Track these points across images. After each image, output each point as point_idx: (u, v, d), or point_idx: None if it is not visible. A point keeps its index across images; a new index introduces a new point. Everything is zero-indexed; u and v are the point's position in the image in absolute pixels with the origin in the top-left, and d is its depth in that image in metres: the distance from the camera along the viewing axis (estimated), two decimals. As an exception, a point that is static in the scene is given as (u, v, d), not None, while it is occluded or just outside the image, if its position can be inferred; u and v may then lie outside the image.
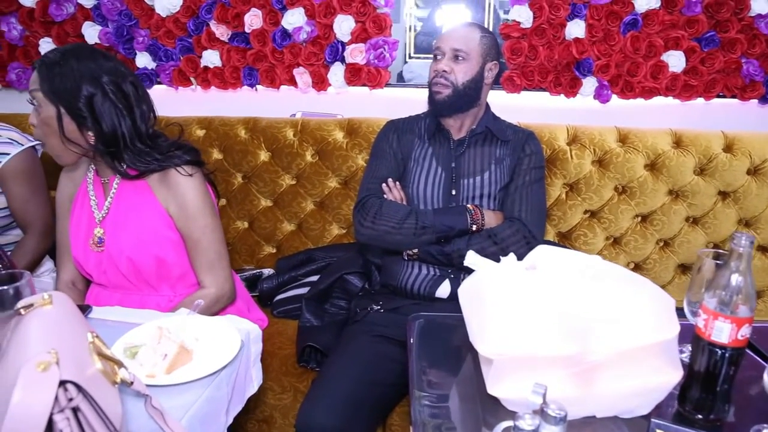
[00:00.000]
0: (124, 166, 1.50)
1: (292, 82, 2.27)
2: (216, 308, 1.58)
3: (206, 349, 1.14)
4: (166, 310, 1.48)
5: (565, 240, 2.13)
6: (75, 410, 0.74)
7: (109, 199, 1.55)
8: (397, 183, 1.77)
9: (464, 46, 1.71)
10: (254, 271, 2.13)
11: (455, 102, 1.73)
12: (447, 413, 1.02)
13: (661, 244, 2.13)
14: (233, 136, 2.18)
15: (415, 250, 1.70)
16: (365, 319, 1.69)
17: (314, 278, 2.02)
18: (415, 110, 1.93)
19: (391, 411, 1.58)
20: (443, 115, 1.78)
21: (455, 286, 1.69)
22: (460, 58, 1.71)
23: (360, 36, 2.16)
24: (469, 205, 1.70)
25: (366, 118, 2.13)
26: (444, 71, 1.71)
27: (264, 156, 2.17)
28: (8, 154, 1.90)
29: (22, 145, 1.94)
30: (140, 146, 1.48)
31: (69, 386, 0.73)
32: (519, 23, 2.12)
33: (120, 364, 0.89)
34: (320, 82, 2.23)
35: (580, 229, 2.12)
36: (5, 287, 0.97)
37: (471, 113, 1.78)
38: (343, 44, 2.18)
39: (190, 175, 1.52)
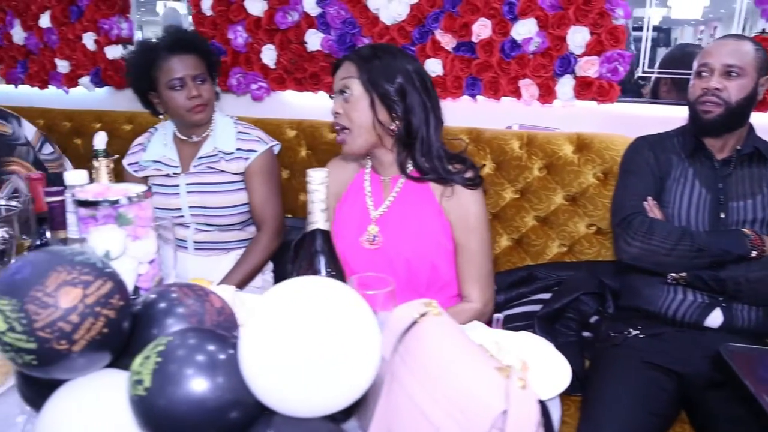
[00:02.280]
0: (410, 166, 1.52)
1: (515, 93, 2.23)
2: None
3: (534, 366, 1.10)
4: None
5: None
6: None
7: (390, 198, 1.57)
8: (656, 202, 1.69)
9: (738, 61, 1.61)
10: (476, 285, 2.10)
11: (726, 121, 1.64)
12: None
13: None
14: (456, 146, 2.15)
15: (683, 274, 1.60)
16: (624, 344, 1.61)
17: (541, 296, 1.96)
18: (641, 128, 1.89)
19: (657, 444, 1.49)
20: (709, 134, 1.68)
21: (727, 315, 1.58)
22: (733, 74, 1.61)
23: (594, 48, 2.09)
24: (746, 230, 1.59)
25: (597, 133, 2.04)
26: (716, 89, 1.62)
27: (489, 168, 2.13)
28: (256, 151, 1.99)
29: (267, 143, 2.02)
30: (433, 148, 1.51)
31: (533, 404, 0.71)
32: (774, 36, 1.98)
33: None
34: (547, 95, 2.17)
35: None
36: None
37: (737, 132, 1.68)
38: (575, 56, 2.12)
39: (475, 188, 1.53)
